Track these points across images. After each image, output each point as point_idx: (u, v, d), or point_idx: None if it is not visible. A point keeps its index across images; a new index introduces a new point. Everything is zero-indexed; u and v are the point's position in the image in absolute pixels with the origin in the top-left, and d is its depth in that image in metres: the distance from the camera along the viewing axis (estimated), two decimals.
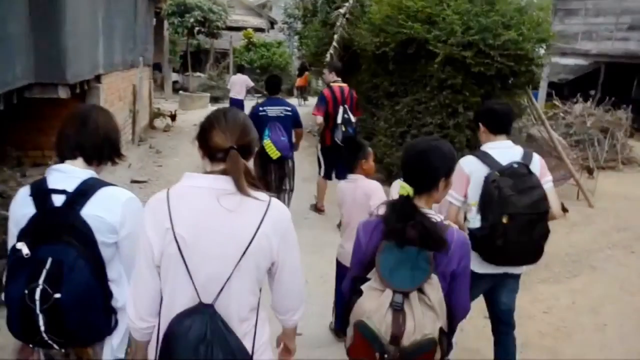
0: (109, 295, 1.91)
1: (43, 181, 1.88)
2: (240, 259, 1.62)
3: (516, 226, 2.66)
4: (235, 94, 13.22)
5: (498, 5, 6.55)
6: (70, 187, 1.85)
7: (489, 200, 2.72)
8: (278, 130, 5.74)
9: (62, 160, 1.94)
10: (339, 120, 6.30)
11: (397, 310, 1.77)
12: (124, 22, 9.70)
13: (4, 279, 1.83)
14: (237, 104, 12.87)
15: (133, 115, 11.09)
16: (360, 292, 1.86)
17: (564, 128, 10.01)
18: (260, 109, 5.90)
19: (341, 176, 5.45)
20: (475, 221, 2.81)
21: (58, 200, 1.84)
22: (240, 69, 15.20)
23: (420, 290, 1.79)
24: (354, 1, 8.82)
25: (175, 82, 21.84)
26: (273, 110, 5.88)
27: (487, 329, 3.29)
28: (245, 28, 22.43)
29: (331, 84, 6.60)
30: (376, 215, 1.98)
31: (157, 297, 1.70)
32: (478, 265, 2.78)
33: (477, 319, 3.81)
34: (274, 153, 5.71)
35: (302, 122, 6.24)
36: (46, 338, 1.79)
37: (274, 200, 1.72)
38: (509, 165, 2.76)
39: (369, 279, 1.89)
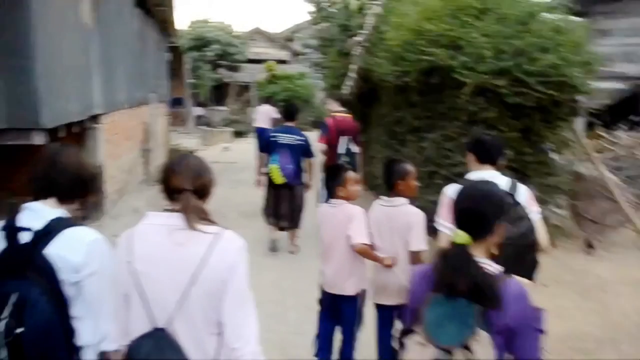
0: (72, 332, 1.95)
1: (13, 219, 1.96)
2: (190, 288, 1.78)
3: (503, 256, 2.38)
4: (259, 123, 13.23)
5: (532, 24, 5.69)
6: (37, 226, 1.93)
7: None
8: (286, 157, 5.93)
9: (35, 199, 2.00)
10: (340, 150, 6.40)
11: None
12: (129, 58, 9.18)
13: None
14: (261, 133, 12.68)
15: (145, 154, 10.54)
16: (402, 345, 1.85)
17: (611, 162, 8.97)
18: (272, 134, 6.15)
19: None
20: None
21: (25, 237, 1.92)
22: (267, 100, 15.32)
23: (467, 347, 1.72)
24: (371, 28, 8.07)
25: (200, 117, 21.51)
26: (284, 138, 6.04)
27: None
28: (267, 60, 22.00)
29: (334, 113, 6.63)
30: (429, 262, 1.96)
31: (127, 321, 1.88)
32: None
33: None
34: (278, 178, 5.93)
35: None
36: None
37: (226, 232, 1.87)
38: None
39: (411, 330, 1.86)
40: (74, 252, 1.92)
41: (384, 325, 3.50)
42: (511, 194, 2.81)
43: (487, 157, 3.09)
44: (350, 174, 3.49)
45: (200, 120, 21.19)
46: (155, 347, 1.76)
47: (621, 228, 7.02)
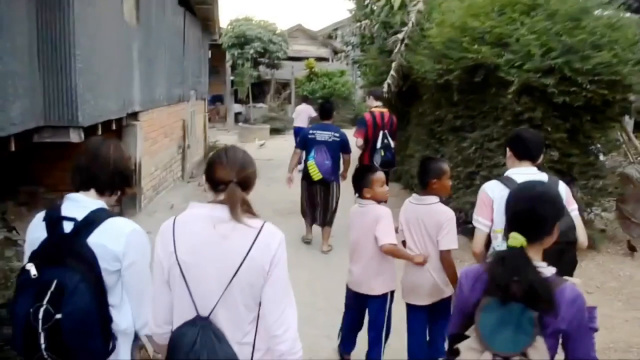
0: (109, 320, 2.01)
1: (56, 208, 2.03)
2: (232, 279, 1.82)
3: (545, 255, 2.32)
4: (298, 122, 13.14)
5: (585, 21, 5.42)
6: (80, 216, 1.99)
7: None
8: (324, 153, 6.05)
9: (77, 191, 2.08)
10: (379, 145, 6.41)
11: None
12: (169, 56, 9.23)
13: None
14: (299, 131, 12.59)
15: (183, 151, 10.61)
16: (457, 352, 1.76)
17: None
18: (310, 132, 6.31)
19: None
20: (501, 248, 2.58)
21: (68, 227, 1.98)
22: (304, 99, 15.34)
23: (524, 354, 1.66)
24: (413, 25, 7.88)
25: (238, 114, 21.62)
26: (322, 135, 6.19)
27: None
28: (307, 58, 21.94)
29: (372, 109, 6.69)
30: (482, 264, 1.92)
31: (171, 308, 1.93)
32: None
33: None
34: (316, 174, 6.06)
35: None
36: (45, 356, 1.87)
37: (267, 225, 1.91)
38: None
39: (467, 336, 1.78)
40: (114, 241, 1.98)
41: (415, 326, 3.47)
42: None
43: (526, 154, 3.02)
44: (377, 175, 3.47)
45: (240, 117, 21.32)
46: (200, 335, 1.79)
47: None
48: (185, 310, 1.87)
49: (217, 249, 1.84)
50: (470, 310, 1.80)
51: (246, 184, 1.94)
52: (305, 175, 6.26)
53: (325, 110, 6.49)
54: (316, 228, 6.67)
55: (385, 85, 8.07)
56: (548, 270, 1.80)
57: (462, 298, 1.92)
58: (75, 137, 4.89)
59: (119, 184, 2.14)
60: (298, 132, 12.76)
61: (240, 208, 1.85)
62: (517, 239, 1.78)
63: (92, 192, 2.08)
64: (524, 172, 2.92)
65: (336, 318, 4.04)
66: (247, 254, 1.83)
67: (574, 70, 5.16)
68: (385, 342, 3.52)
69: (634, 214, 6.70)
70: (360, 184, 3.47)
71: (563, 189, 2.88)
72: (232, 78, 20.97)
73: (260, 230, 1.87)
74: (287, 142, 14.13)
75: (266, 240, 1.87)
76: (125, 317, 2.06)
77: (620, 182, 6.58)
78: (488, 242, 3.00)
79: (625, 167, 7.00)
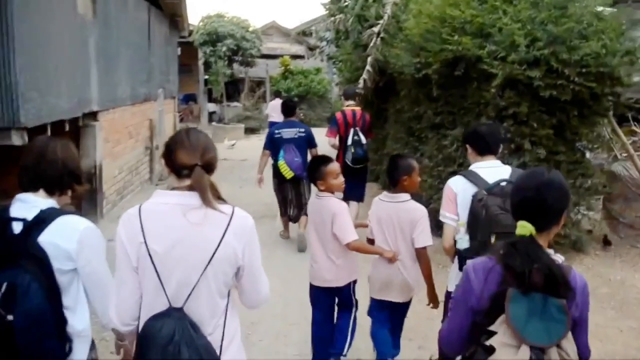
0: (64, 321, 1.96)
1: (5, 210, 1.98)
2: (206, 267, 1.79)
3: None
4: (273, 118, 12.99)
5: (571, 9, 5.08)
6: (30, 216, 1.94)
7: (476, 220, 2.72)
8: (292, 151, 6.12)
9: (25, 192, 2.01)
10: (349, 142, 6.43)
11: None
12: (133, 52, 8.72)
13: None
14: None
15: (151, 152, 10.10)
16: (491, 349, 1.65)
17: None
18: (276, 132, 6.33)
19: (353, 196, 6.44)
20: (463, 242, 2.80)
21: (17, 227, 1.93)
22: (277, 95, 15.15)
23: (559, 345, 1.62)
24: (388, 17, 7.50)
25: (213, 113, 21.08)
26: (287, 133, 6.26)
27: None
28: (282, 56, 21.50)
29: (344, 107, 6.76)
30: (489, 255, 1.82)
31: (139, 300, 1.86)
32: None
33: None
34: (287, 173, 6.11)
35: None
36: None
37: (237, 210, 1.87)
38: (497, 183, 2.76)
39: (492, 332, 1.67)
40: (66, 240, 1.93)
41: (382, 319, 3.48)
42: (513, 183, 2.68)
43: (486, 149, 2.99)
44: (331, 166, 3.40)
45: (214, 117, 20.80)
46: (177, 327, 1.74)
47: None
48: (156, 301, 1.80)
49: (190, 238, 1.79)
50: (485, 305, 1.73)
51: (210, 167, 1.87)
52: (276, 174, 6.31)
53: (288, 107, 6.56)
54: (292, 227, 6.67)
55: (361, 81, 7.68)
56: (558, 257, 1.77)
57: (471, 293, 1.78)
58: (17, 139, 4.42)
59: (68, 182, 2.07)
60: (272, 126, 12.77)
61: (212, 193, 1.81)
62: (526, 227, 1.73)
63: (41, 192, 2.02)
64: (488, 166, 2.93)
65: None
66: (221, 240, 1.79)
67: (561, 61, 4.83)
68: (354, 321, 3.54)
69: (621, 214, 6.44)
70: (314, 176, 3.42)
71: None
72: (205, 77, 20.46)
73: (232, 216, 1.83)
74: (261, 142, 13.54)
75: (239, 225, 1.84)
76: (80, 318, 2.02)
77: (607, 180, 6.30)
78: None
79: (612, 164, 6.73)
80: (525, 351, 1.61)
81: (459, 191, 2.89)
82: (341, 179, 3.46)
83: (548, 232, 1.78)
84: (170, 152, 1.85)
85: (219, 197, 1.85)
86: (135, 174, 9.11)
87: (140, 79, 9.27)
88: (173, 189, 1.85)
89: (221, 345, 1.85)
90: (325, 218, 3.34)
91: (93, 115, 6.84)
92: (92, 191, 6.86)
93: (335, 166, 3.43)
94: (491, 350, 1.66)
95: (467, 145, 3.08)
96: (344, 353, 3.53)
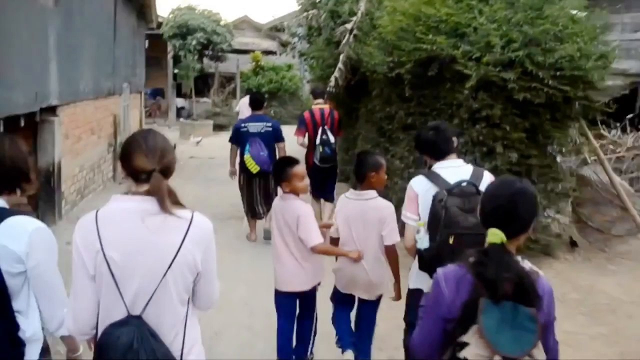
0: (15, 325, 1.90)
1: None
2: (165, 274, 1.76)
3: (462, 246, 2.41)
4: (243, 116, 12.55)
5: (547, 10, 5.01)
6: None
7: (436, 220, 2.72)
8: (258, 145, 6.06)
9: None
10: (318, 141, 6.42)
11: None
12: (97, 44, 8.37)
13: None
14: None
15: (114, 149, 9.75)
16: None
17: (614, 164, 8.32)
18: (242, 125, 6.30)
19: (323, 196, 6.67)
20: (423, 241, 2.81)
21: None
22: (248, 92, 14.54)
23: (529, 355, 1.65)
24: (362, 14, 7.35)
25: (182, 109, 20.66)
26: (254, 126, 6.18)
27: None
28: (253, 51, 21.18)
29: (312, 106, 6.73)
30: (459, 264, 1.80)
31: (96, 309, 1.81)
32: (428, 285, 2.69)
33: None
34: (253, 167, 6.07)
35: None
36: None
37: (196, 215, 1.84)
38: (457, 184, 2.77)
39: (464, 343, 1.68)
40: (15, 241, 1.86)
41: (344, 313, 3.52)
42: (473, 184, 2.77)
43: (439, 152, 2.98)
44: (296, 169, 3.33)
45: (183, 113, 20.38)
46: (136, 334, 1.71)
47: (630, 238, 6.40)
48: (114, 310, 1.77)
49: (148, 244, 1.75)
50: (456, 314, 1.74)
51: (168, 171, 1.83)
52: (243, 169, 6.25)
53: (256, 101, 6.48)
54: (259, 225, 6.57)
55: (333, 79, 7.52)
56: (526, 264, 1.79)
57: (442, 302, 1.79)
58: None
59: (18, 181, 1.99)
60: None
61: (170, 199, 1.77)
62: (497, 235, 1.74)
63: None
64: (449, 166, 2.92)
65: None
66: (180, 246, 1.77)
67: (536, 64, 4.76)
68: (313, 339, 3.51)
69: (590, 218, 6.43)
70: (280, 177, 3.35)
71: (488, 178, 2.86)
72: (175, 71, 20.02)
73: (190, 222, 1.81)
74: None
75: (198, 231, 1.82)
76: (32, 323, 1.96)
77: (577, 184, 6.28)
78: None
79: (581, 168, 6.72)
80: None
81: (419, 191, 2.89)
82: (307, 181, 3.42)
83: (517, 239, 1.80)
84: (127, 156, 1.80)
85: (177, 202, 1.81)
86: (97, 172, 8.77)
87: (105, 72, 8.93)
88: (131, 193, 1.81)
89: (182, 354, 1.83)
90: (290, 220, 3.28)
91: (52, 110, 6.52)
92: (49, 191, 6.54)
93: (301, 168, 3.37)
94: None
95: (422, 154, 3.10)
96: (308, 357, 3.53)
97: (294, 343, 3.52)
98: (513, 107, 5.05)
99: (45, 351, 2.04)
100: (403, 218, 2.99)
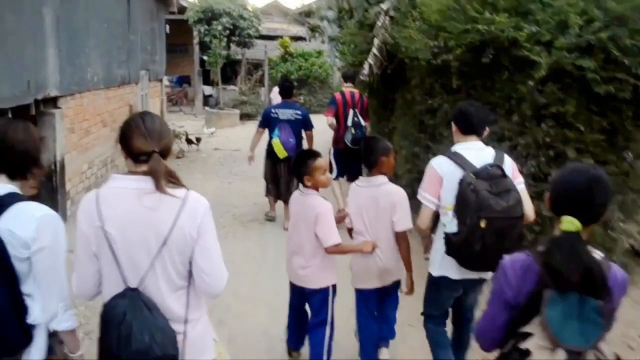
0: (23, 309, 1.92)
1: None
2: (161, 249, 1.84)
3: (493, 230, 2.59)
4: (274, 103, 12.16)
5: None
6: None
7: (465, 204, 2.66)
8: (287, 131, 6.16)
9: None
10: (349, 123, 6.48)
11: None
12: (107, 28, 7.66)
13: None
14: None
15: None
16: (527, 353, 1.64)
17: None
18: (273, 110, 6.40)
19: (352, 178, 6.07)
20: (451, 225, 2.75)
21: None
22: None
23: (596, 347, 1.61)
24: None
25: (209, 97, 20.00)
26: (284, 113, 6.30)
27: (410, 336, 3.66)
28: (282, 37, 20.36)
29: (343, 88, 6.81)
30: (527, 252, 1.78)
31: (97, 282, 1.93)
32: (455, 271, 2.86)
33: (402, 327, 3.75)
34: (281, 153, 6.15)
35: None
36: None
37: (191, 193, 1.91)
38: (484, 167, 2.74)
39: (527, 333, 1.66)
40: (23, 227, 1.87)
41: (365, 312, 3.45)
42: (499, 166, 2.76)
43: (470, 129, 2.96)
44: (319, 162, 3.26)
45: (210, 101, 19.74)
46: (130, 306, 1.79)
47: None
48: (115, 283, 1.86)
49: (145, 221, 1.82)
50: (521, 301, 1.72)
51: (166, 152, 1.90)
52: (270, 153, 6.30)
53: (286, 88, 6.53)
54: (279, 206, 6.60)
55: (366, 66, 6.64)
56: (598, 254, 1.73)
57: (508, 290, 1.77)
58: None
59: (30, 166, 1.99)
60: None
61: (165, 179, 1.82)
62: (573, 223, 1.67)
63: (3, 177, 1.94)
64: (471, 147, 2.90)
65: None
66: (175, 223, 1.83)
67: (622, 49, 3.81)
68: (331, 339, 3.37)
69: None
70: (301, 170, 3.26)
71: (509, 162, 2.88)
72: (204, 57, 19.36)
73: (185, 199, 1.87)
74: None
75: (192, 208, 1.87)
76: (40, 307, 1.94)
77: None
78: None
79: None
80: (561, 354, 1.59)
81: (445, 174, 2.84)
82: (328, 175, 3.38)
83: (589, 228, 1.75)
84: (126, 138, 1.86)
85: (175, 182, 1.87)
86: (111, 167, 8.14)
87: (118, 58, 8.23)
88: (130, 173, 1.88)
89: (185, 329, 1.92)
90: (309, 216, 3.20)
91: (52, 102, 5.85)
92: (51, 190, 5.91)
93: (323, 162, 3.30)
94: (527, 353, 1.65)
95: (452, 123, 3.04)
96: None
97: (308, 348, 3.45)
98: (590, 102, 4.13)
99: (53, 334, 2.03)
100: (420, 198, 2.93)
